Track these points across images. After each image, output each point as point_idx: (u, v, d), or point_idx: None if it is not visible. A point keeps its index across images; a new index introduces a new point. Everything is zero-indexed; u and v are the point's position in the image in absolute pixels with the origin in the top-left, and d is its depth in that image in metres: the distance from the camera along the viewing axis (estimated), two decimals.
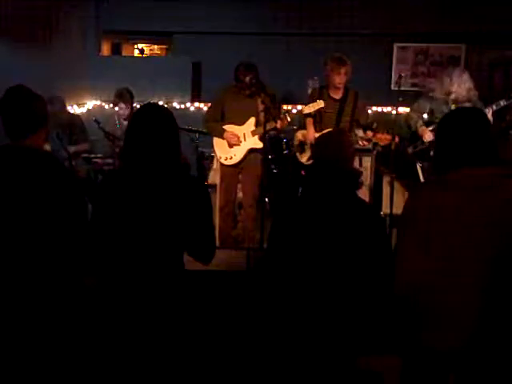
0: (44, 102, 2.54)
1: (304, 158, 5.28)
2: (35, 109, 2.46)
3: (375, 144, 5.90)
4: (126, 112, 5.49)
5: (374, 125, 5.04)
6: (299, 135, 5.34)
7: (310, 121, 5.13)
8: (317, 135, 5.03)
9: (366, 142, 5.03)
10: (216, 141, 5.10)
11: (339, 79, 4.94)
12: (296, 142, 5.37)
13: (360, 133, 5.04)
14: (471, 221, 2.09)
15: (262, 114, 4.80)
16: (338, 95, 5.07)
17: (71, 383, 2.51)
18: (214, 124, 5.06)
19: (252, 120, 4.95)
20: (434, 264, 2.14)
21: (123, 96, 5.54)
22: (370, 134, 4.94)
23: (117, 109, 5.63)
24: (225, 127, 4.99)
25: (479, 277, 2.08)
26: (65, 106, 6.04)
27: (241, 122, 4.97)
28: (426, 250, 2.16)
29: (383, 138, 4.88)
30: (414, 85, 7.01)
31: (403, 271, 2.23)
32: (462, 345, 2.10)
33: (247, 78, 4.76)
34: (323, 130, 5.04)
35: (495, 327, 2.08)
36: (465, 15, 6.76)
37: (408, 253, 2.22)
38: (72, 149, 5.49)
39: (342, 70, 4.90)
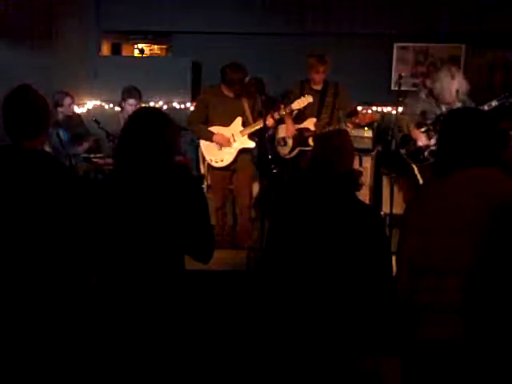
0: (47, 102, 2.51)
1: (285, 151, 5.34)
2: (42, 110, 2.43)
3: (375, 144, 5.92)
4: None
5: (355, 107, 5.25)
6: (280, 130, 5.36)
7: (287, 114, 5.13)
8: (297, 127, 5.13)
9: (350, 125, 5.13)
10: (204, 143, 5.04)
11: (318, 77, 5.10)
12: (278, 136, 5.40)
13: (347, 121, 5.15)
14: (471, 221, 2.10)
15: (249, 114, 4.85)
16: (318, 87, 5.19)
17: (74, 381, 2.52)
18: (200, 126, 5.00)
19: (239, 120, 4.92)
20: (434, 263, 2.16)
21: (131, 92, 5.55)
22: (354, 119, 5.08)
23: (119, 108, 5.64)
24: (211, 129, 4.95)
25: (478, 275, 2.09)
26: (73, 104, 6.05)
27: (227, 123, 4.94)
28: (426, 249, 2.17)
29: (366, 117, 5.07)
30: (414, 85, 6.99)
31: (404, 270, 2.25)
32: (460, 337, 2.11)
33: (241, 79, 4.76)
34: (304, 120, 5.19)
35: (494, 320, 2.09)
36: (465, 15, 6.76)
37: (409, 252, 2.23)
38: (79, 150, 5.54)
39: (321, 69, 5.04)
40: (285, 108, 4.97)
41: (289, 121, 5.18)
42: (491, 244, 2.08)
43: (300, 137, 5.19)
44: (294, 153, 5.28)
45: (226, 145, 4.92)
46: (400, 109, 4.97)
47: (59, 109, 5.84)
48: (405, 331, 2.26)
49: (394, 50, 7.20)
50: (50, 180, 2.36)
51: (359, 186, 2.61)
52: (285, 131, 5.26)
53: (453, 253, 2.12)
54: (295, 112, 5.18)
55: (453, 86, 4.56)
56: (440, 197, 2.20)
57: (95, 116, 5.86)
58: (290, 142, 5.27)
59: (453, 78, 4.57)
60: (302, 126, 5.20)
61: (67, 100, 5.89)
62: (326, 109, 5.16)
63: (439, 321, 2.15)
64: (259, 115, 4.92)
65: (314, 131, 5.08)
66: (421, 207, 2.25)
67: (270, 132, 5.43)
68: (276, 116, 4.81)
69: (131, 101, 5.53)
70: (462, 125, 2.23)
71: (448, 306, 2.13)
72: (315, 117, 5.14)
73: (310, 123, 5.17)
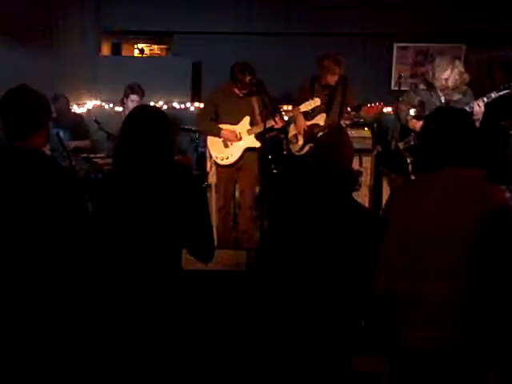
0: (47, 102, 2.51)
1: (296, 148, 5.33)
2: (37, 109, 2.43)
3: (375, 144, 5.92)
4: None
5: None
6: (293, 128, 5.37)
7: (298, 111, 5.15)
8: (308, 123, 5.11)
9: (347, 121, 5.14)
10: (211, 140, 5.06)
11: (333, 79, 5.09)
12: (290, 134, 5.42)
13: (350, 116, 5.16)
14: (450, 220, 2.08)
15: (258, 113, 4.85)
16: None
17: (72, 379, 2.52)
18: (209, 123, 5.03)
19: (247, 119, 4.94)
20: (412, 264, 2.14)
21: (134, 88, 5.54)
22: (361, 112, 5.12)
23: (121, 108, 5.65)
24: (220, 126, 4.98)
25: (457, 277, 2.07)
26: (69, 105, 6.08)
27: (235, 122, 4.95)
28: (404, 249, 2.16)
29: (373, 109, 5.08)
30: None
31: (381, 271, 2.24)
32: (439, 346, 2.09)
33: (247, 78, 4.76)
34: (315, 117, 5.18)
35: (474, 328, 2.07)
36: (465, 15, 6.76)
37: (387, 252, 2.22)
38: (73, 144, 5.53)
39: (337, 70, 5.05)
40: (292, 110, 5.04)
41: (300, 117, 5.20)
42: (470, 246, 2.06)
43: (310, 133, 5.18)
44: (305, 149, 5.28)
45: (233, 139, 4.93)
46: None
47: (55, 105, 5.84)
48: (387, 334, 2.25)
49: (394, 50, 7.20)
50: (41, 178, 2.35)
51: (357, 186, 2.62)
52: (296, 128, 5.28)
53: (429, 254, 2.11)
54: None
55: (443, 74, 4.58)
56: (417, 197, 2.19)
57: (95, 116, 5.87)
58: (300, 138, 5.28)
59: (446, 67, 4.58)
60: (312, 122, 5.21)
61: (62, 100, 5.89)
62: (335, 105, 5.18)
63: (418, 327, 2.13)
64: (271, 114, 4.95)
65: (324, 126, 5.09)
66: (398, 208, 2.23)
67: (273, 133, 5.44)
68: (278, 119, 4.79)
69: (133, 96, 5.50)
70: (442, 123, 2.22)
71: (424, 312, 2.11)
72: (325, 112, 5.16)
73: (320, 119, 5.18)
